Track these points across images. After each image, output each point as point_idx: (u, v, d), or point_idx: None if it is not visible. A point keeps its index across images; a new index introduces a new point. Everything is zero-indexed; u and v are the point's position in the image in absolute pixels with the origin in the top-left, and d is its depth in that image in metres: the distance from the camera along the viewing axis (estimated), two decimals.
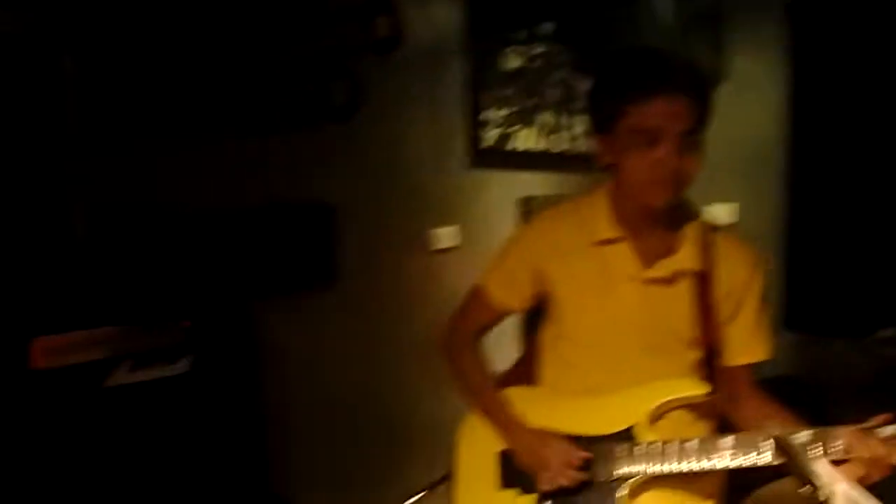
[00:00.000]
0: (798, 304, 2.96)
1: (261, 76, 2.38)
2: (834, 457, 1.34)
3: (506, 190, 3.13)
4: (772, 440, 1.29)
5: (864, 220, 2.73)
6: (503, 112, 3.07)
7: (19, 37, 1.93)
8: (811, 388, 2.47)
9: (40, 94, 1.97)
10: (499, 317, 1.79)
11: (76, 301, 1.88)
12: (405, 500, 2.29)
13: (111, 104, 2.09)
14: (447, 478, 1.84)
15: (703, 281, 1.58)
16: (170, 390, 1.88)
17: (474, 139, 3.00)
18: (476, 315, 1.80)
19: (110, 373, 1.80)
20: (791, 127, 2.95)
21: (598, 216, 1.64)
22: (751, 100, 3.13)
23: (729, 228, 2.92)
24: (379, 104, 2.71)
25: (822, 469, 0.92)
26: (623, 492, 1.55)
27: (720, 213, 3.15)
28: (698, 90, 1.50)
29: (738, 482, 1.68)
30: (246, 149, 2.37)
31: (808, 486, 0.85)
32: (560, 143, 3.23)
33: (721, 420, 1.64)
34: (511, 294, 1.74)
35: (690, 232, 1.60)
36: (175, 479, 1.86)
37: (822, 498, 0.83)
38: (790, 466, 0.88)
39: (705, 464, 1.48)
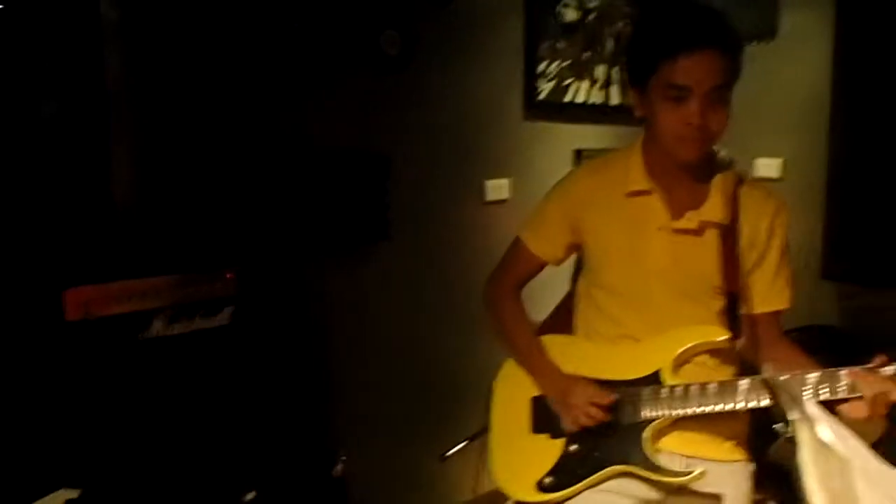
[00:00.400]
0: (836, 255, 3.01)
1: (313, 26, 2.40)
2: (840, 395, 1.42)
3: (560, 142, 3.17)
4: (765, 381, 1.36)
5: None
6: (559, 65, 3.09)
7: None
8: (848, 338, 2.48)
9: (78, 43, 1.93)
10: (537, 268, 1.86)
11: (117, 251, 1.85)
12: (449, 451, 2.40)
13: (153, 53, 2.07)
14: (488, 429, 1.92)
15: (729, 232, 1.62)
16: (211, 342, 1.86)
17: (530, 91, 3.05)
18: (516, 266, 1.88)
19: (148, 325, 1.76)
20: (837, 84, 2.93)
21: (631, 168, 1.70)
22: (799, 56, 3.10)
23: (772, 183, 2.96)
24: (435, 55, 2.77)
25: (811, 410, 0.98)
26: (647, 433, 1.63)
27: (766, 167, 3.15)
28: (728, 46, 1.53)
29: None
30: (297, 99, 2.39)
31: (784, 425, 0.90)
32: (614, 97, 3.25)
33: (745, 366, 1.69)
34: (548, 245, 1.81)
35: (718, 184, 1.65)
36: (217, 432, 1.85)
37: (794, 434, 0.89)
38: (775, 406, 0.94)
39: (723, 405, 1.55)
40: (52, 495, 1.55)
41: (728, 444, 1.69)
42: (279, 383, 2.03)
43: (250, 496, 1.72)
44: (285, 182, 2.35)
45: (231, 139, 2.24)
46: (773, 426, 0.90)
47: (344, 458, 2.09)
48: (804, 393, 1.45)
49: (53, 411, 1.64)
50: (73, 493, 1.56)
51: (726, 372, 1.69)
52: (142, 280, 1.77)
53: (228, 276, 1.92)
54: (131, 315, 1.74)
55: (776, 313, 1.71)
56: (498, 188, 3.00)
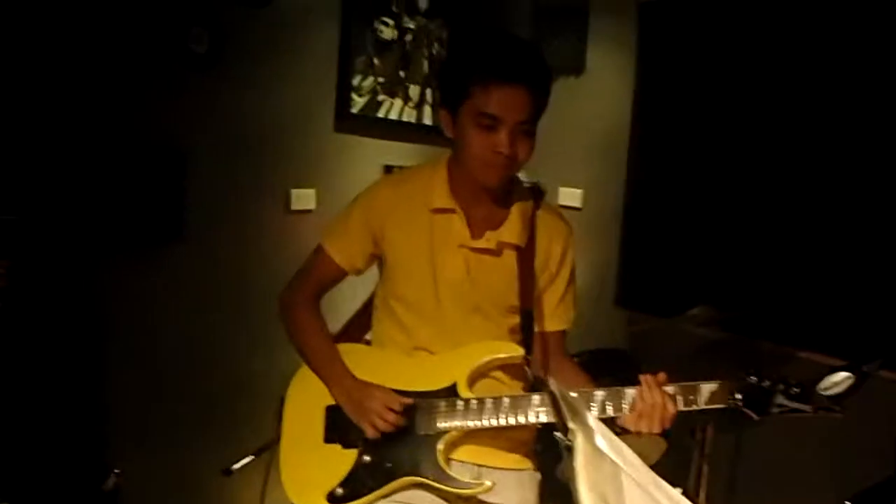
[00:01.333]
0: (629, 283, 3.23)
1: (117, 16, 2.30)
2: (625, 412, 1.52)
3: (370, 157, 3.17)
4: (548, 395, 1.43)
5: (693, 208, 3.00)
6: (373, 80, 3.11)
7: None
8: (635, 362, 2.67)
9: None
10: (338, 276, 1.83)
11: None
12: (234, 465, 2.31)
13: None
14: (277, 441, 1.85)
15: (525, 253, 1.69)
16: None
17: (342, 103, 3.03)
18: (316, 274, 1.84)
19: None
20: (636, 120, 3.18)
21: (436, 185, 1.72)
22: (603, 92, 3.31)
23: (573, 212, 3.15)
24: (245, 57, 2.69)
25: (591, 422, 1.02)
26: (441, 444, 1.64)
27: (568, 197, 3.34)
28: (539, 82, 1.59)
29: None
30: (94, 89, 2.27)
31: (563, 433, 0.94)
32: (427, 117, 3.31)
33: (536, 382, 1.77)
34: (349, 255, 1.78)
35: (517, 208, 1.71)
36: None
37: (570, 443, 0.93)
38: (555, 417, 0.97)
39: (517, 419, 1.60)
40: None
41: (516, 455, 1.75)
42: (48, 388, 1.88)
43: None
44: (73, 173, 2.19)
45: (15, 125, 2.07)
46: (553, 433, 0.93)
47: (117, 471, 1.93)
48: (591, 409, 1.54)
49: None
50: None
51: (518, 387, 1.74)
52: None
53: None
54: None
55: (561, 332, 1.79)
56: (304, 198, 2.96)
